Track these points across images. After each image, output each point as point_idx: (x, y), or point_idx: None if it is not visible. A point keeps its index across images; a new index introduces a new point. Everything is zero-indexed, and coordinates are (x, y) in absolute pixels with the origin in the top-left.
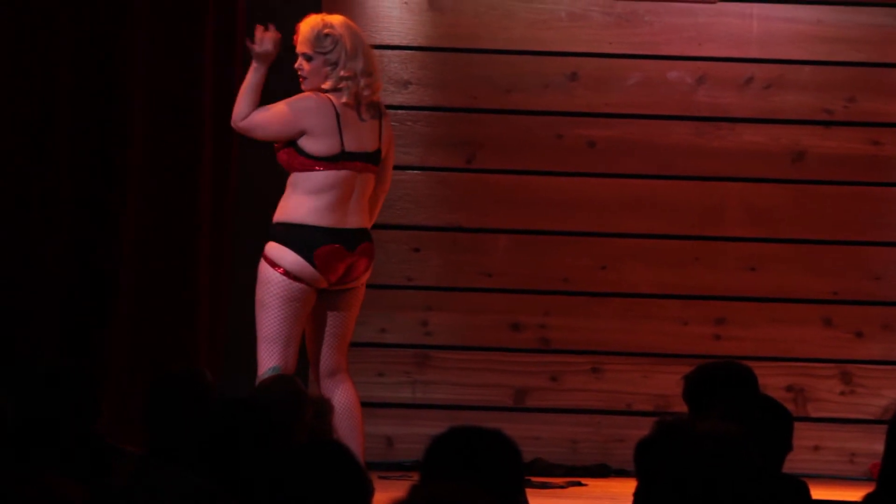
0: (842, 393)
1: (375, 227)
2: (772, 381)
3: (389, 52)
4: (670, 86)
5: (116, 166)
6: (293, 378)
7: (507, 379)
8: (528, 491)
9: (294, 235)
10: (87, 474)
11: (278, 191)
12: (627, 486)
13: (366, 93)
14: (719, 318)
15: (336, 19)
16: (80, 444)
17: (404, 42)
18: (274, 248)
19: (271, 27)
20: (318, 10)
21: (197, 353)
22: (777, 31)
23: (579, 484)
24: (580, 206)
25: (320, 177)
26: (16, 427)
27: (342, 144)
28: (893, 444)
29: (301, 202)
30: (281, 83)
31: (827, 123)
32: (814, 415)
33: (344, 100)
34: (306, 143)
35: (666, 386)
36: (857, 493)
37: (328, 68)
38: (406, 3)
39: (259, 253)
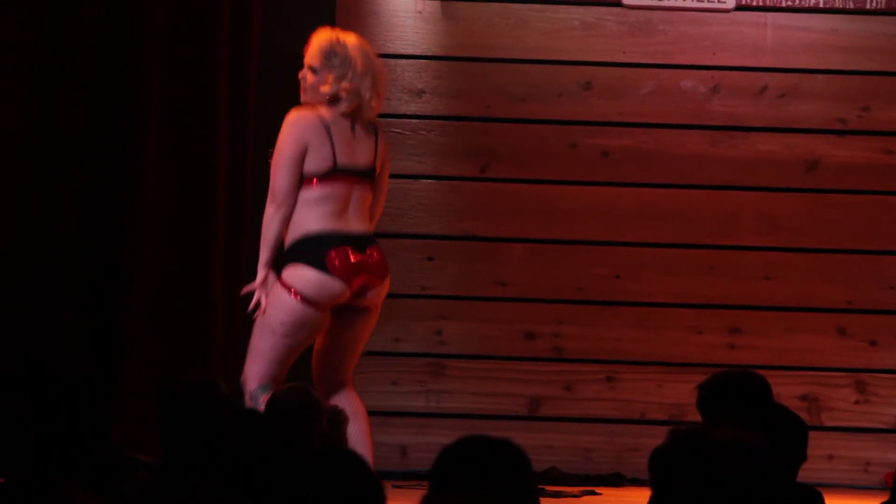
0: (856, 402)
1: (390, 235)
2: (786, 391)
3: (403, 61)
4: (684, 95)
5: (131, 175)
6: (309, 388)
7: (521, 388)
8: (543, 500)
9: (304, 248)
10: (103, 484)
11: None
12: (641, 496)
13: (365, 111)
14: (733, 327)
15: (350, 39)
16: (96, 453)
17: (418, 51)
18: (288, 270)
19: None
20: (332, 20)
21: (212, 362)
22: (791, 40)
23: (593, 493)
24: (594, 215)
25: (316, 191)
26: (34, 436)
27: (335, 159)
28: None
29: (303, 215)
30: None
31: (841, 132)
32: (828, 424)
33: (342, 109)
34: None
35: (680, 395)
36: (872, 503)
37: (332, 85)
38: (420, 12)
39: (275, 266)
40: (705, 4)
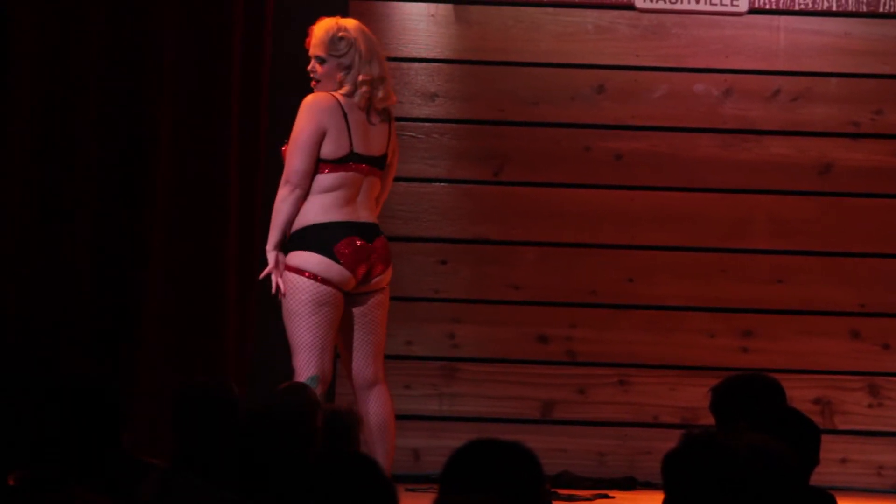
0: (869, 405)
1: (403, 238)
2: (799, 394)
3: (416, 64)
4: (697, 98)
5: (144, 180)
6: (303, 386)
7: (533, 391)
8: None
9: (311, 236)
10: (115, 488)
11: None
12: (654, 499)
13: (380, 97)
14: (746, 331)
15: (350, 23)
16: (108, 457)
17: (431, 55)
18: (295, 256)
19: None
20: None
21: (224, 365)
22: (804, 44)
23: (606, 496)
24: (607, 218)
25: (328, 178)
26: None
27: (351, 145)
28: None
29: (311, 204)
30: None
31: (854, 136)
32: (841, 427)
33: (355, 101)
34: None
35: (693, 398)
36: None
37: (342, 73)
38: (433, 15)
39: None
40: (718, 8)
